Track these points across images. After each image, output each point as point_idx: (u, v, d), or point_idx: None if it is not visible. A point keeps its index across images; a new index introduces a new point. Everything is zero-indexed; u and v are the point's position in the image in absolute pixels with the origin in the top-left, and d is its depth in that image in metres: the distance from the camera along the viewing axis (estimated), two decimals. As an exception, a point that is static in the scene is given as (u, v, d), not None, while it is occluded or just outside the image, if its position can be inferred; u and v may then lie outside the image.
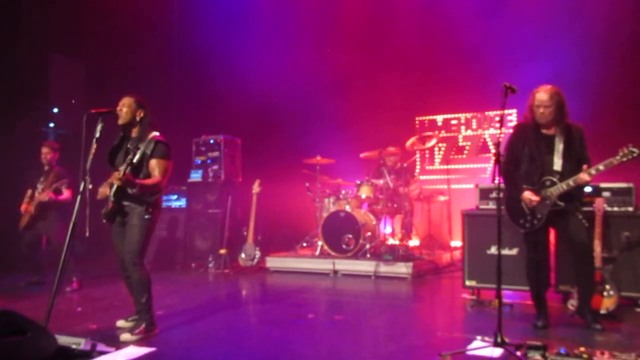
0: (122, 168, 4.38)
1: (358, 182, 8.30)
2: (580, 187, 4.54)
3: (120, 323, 4.89)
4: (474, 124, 9.81)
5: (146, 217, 4.59)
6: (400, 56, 9.61)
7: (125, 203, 4.61)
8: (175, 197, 8.85)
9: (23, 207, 6.96)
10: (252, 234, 8.22)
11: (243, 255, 8.21)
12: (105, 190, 4.66)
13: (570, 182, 4.47)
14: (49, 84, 9.36)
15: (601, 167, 4.36)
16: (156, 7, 10.32)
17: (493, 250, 5.59)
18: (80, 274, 6.88)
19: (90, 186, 4.16)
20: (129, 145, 4.64)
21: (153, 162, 4.59)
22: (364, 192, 8.16)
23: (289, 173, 9.29)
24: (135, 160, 4.49)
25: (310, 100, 9.97)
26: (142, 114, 4.72)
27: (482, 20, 8.88)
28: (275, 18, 10.28)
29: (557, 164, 4.58)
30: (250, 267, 8.15)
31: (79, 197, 4.16)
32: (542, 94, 4.58)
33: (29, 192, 7.02)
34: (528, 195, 4.60)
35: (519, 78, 6.64)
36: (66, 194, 6.90)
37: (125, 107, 4.68)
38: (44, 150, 7.07)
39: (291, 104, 9.83)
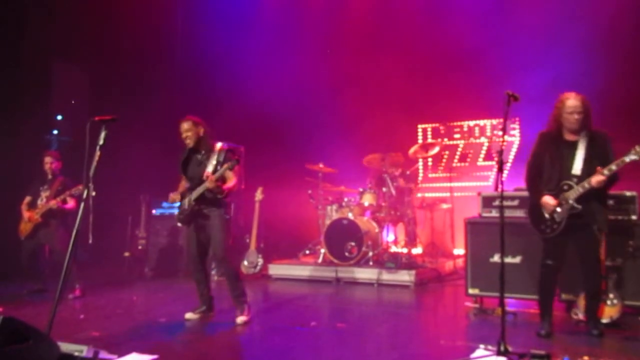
0: (215, 174, 5.08)
1: (361, 189, 8.30)
2: (597, 189, 4.48)
3: (189, 315, 5.40)
4: (477, 132, 9.81)
5: (227, 217, 5.33)
6: (403, 64, 9.61)
7: (204, 207, 5.27)
8: (178, 204, 8.83)
9: (27, 215, 6.91)
10: (254, 242, 8.21)
11: (245, 263, 8.20)
12: (177, 197, 5.42)
13: (586, 184, 4.47)
14: (52, 91, 9.40)
15: (614, 166, 4.37)
16: (159, 15, 10.36)
17: (496, 258, 5.57)
18: (82, 282, 6.84)
19: (94, 193, 4.16)
20: (199, 157, 5.35)
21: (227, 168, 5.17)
22: (367, 200, 8.15)
23: (291, 180, 9.29)
24: (222, 170, 5.09)
25: (312, 108, 9.99)
26: (202, 131, 5.34)
27: (485, 27, 8.89)
28: (277, 25, 10.31)
29: (577, 168, 4.60)
30: (252, 274, 8.13)
31: (82, 205, 4.16)
32: (574, 101, 4.63)
33: (27, 199, 6.99)
34: (546, 199, 4.65)
35: (522, 85, 6.68)
36: (71, 203, 6.87)
37: (189, 132, 5.30)
38: (47, 159, 7.07)
39: (294, 111, 9.84)
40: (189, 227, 5.40)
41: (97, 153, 4.28)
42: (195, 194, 5.23)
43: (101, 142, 4.29)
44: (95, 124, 4.32)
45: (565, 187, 4.59)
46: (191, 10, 10.96)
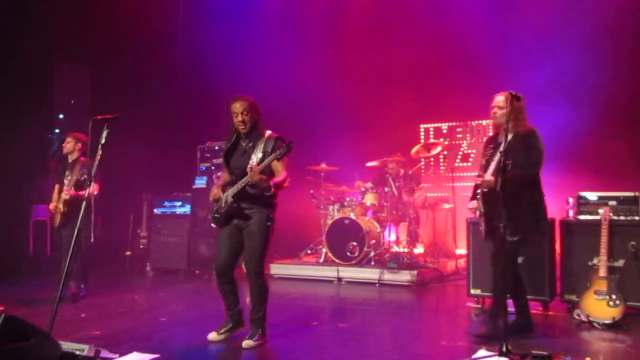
0: (260, 165, 4.23)
1: (363, 189, 8.29)
2: (507, 191, 4.20)
3: (212, 336, 4.56)
4: (479, 132, 9.80)
5: (268, 224, 4.43)
6: (405, 63, 9.60)
7: (245, 205, 4.40)
8: (179, 203, 8.84)
9: (52, 205, 6.43)
10: (256, 241, 8.19)
11: (247, 262, 8.18)
12: (219, 192, 4.51)
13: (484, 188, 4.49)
14: (53, 90, 9.40)
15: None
16: (161, 14, 10.36)
17: (498, 258, 5.54)
18: (81, 281, 6.52)
19: (96, 192, 4.16)
20: (244, 145, 4.48)
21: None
22: (369, 200, 8.15)
23: (293, 180, 9.25)
24: (258, 158, 4.33)
25: (314, 107, 9.98)
26: (258, 115, 4.52)
27: (487, 26, 8.88)
28: (280, 25, 10.31)
29: (490, 171, 4.56)
30: (254, 274, 8.11)
31: (84, 204, 4.16)
32: (498, 96, 4.64)
33: (57, 187, 6.48)
34: (470, 204, 4.78)
35: (525, 84, 6.66)
36: (91, 187, 6.46)
37: (247, 116, 4.42)
38: (66, 141, 6.54)
39: (295, 111, 9.82)
40: (224, 227, 4.53)
41: (99, 152, 4.27)
42: (234, 189, 4.36)
43: (103, 140, 4.28)
44: (98, 122, 4.32)
45: (478, 191, 4.62)
46: (192, 8, 10.96)
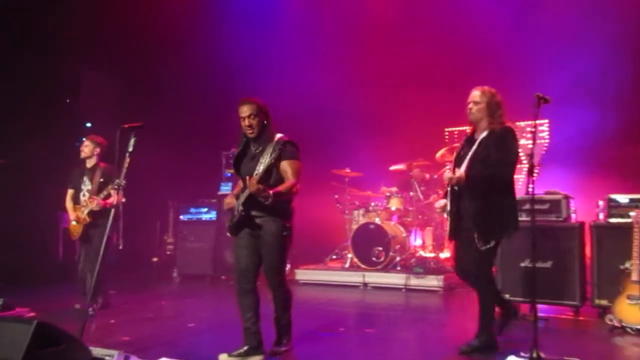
0: (256, 173, 4.05)
1: (387, 193, 8.25)
2: (480, 192, 4.14)
3: (223, 357, 4.21)
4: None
5: (284, 227, 4.23)
6: (429, 66, 9.54)
7: (256, 214, 4.19)
8: (205, 209, 8.90)
9: (74, 216, 6.01)
10: (281, 247, 8.21)
11: (272, 268, 8.19)
12: (232, 201, 4.33)
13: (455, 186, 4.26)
14: (80, 98, 9.56)
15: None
16: (184, 21, 10.46)
17: (526, 262, 5.47)
18: (105, 292, 6.23)
19: (124, 199, 4.20)
20: (253, 150, 4.28)
21: (284, 164, 4.20)
22: (394, 204, 8.11)
23: (317, 185, 9.27)
24: (266, 164, 4.12)
25: (338, 112, 9.97)
26: (267, 118, 4.30)
27: (512, 28, 8.79)
28: (302, 29, 10.33)
29: (462, 168, 4.24)
30: (279, 279, 8.13)
31: (112, 211, 4.20)
32: (474, 91, 4.45)
33: (70, 192, 6.08)
34: (437, 204, 4.55)
35: (550, 86, 6.58)
36: (113, 197, 5.77)
37: (254, 120, 4.21)
38: (83, 144, 6.16)
39: (319, 116, 9.83)
40: (238, 236, 4.33)
41: (127, 160, 4.31)
42: (242, 197, 4.16)
43: (130, 148, 4.32)
44: (125, 131, 4.37)
45: (448, 189, 4.36)
46: (214, 15, 11.04)
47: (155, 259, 9.04)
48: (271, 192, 3.97)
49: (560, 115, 7.88)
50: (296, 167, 4.25)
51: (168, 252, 9.08)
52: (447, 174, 4.16)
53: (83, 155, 6.11)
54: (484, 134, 4.27)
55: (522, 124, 9.50)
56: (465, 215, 4.20)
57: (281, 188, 4.10)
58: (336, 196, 8.66)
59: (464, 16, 9.35)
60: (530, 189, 4.07)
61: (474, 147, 4.25)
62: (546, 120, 8.79)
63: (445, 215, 4.45)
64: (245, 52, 10.30)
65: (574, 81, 7.85)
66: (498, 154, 4.09)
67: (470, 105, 4.40)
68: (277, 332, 4.43)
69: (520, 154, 4.85)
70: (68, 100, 9.22)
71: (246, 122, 4.22)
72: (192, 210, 8.88)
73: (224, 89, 10.76)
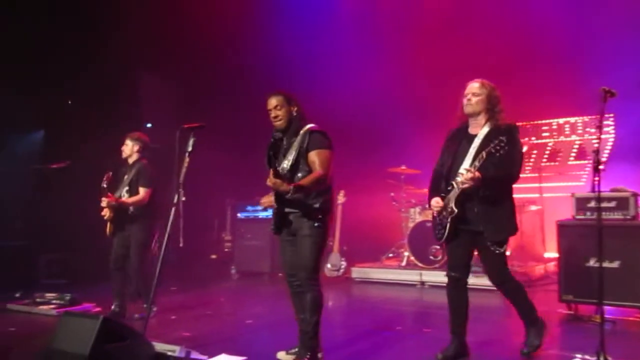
0: (281, 168, 3.98)
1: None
2: (481, 190, 3.87)
3: (281, 355, 4.27)
4: (567, 130, 9.38)
5: (316, 225, 3.98)
6: (486, 61, 9.31)
7: (289, 211, 4.05)
8: (261, 207, 8.99)
9: (104, 212, 5.79)
10: (337, 244, 8.24)
11: (329, 266, 8.23)
12: (270, 199, 4.13)
13: (454, 183, 3.94)
14: (141, 100, 9.84)
15: (477, 162, 3.80)
16: (239, 21, 10.60)
17: (592, 262, 5.27)
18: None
19: (184, 199, 4.29)
20: (284, 144, 4.15)
21: (312, 155, 4.00)
22: (451, 202, 7.97)
23: (373, 183, 9.23)
24: (292, 158, 4.02)
25: (393, 109, 9.88)
26: (295, 108, 4.18)
27: (572, 21, 8.48)
28: (357, 25, 10.28)
29: (465, 166, 3.97)
30: (336, 277, 8.16)
31: (173, 209, 4.30)
32: (473, 83, 4.21)
33: (104, 182, 5.68)
34: (432, 202, 4.14)
35: (615, 80, 6.29)
36: (140, 194, 5.75)
37: (279, 111, 4.13)
38: (124, 143, 6.04)
39: (375, 114, 9.78)
40: (281, 235, 4.21)
41: (186, 159, 4.40)
42: (273, 193, 4.02)
43: (190, 148, 4.41)
44: (184, 131, 4.46)
45: (449, 188, 4.02)
46: (270, 15, 11.14)
47: (214, 256, 9.24)
48: (291, 185, 3.80)
49: (620, 110, 7.60)
50: (324, 157, 3.99)
51: (226, 250, 9.25)
52: (468, 174, 3.79)
53: (124, 154, 6.03)
54: (485, 129, 4.06)
55: (586, 118, 9.19)
56: (473, 218, 3.96)
57: (305, 181, 3.90)
58: (392, 194, 8.60)
59: (524, 8, 9.09)
60: (595, 186, 3.91)
61: (476, 144, 4.01)
62: (612, 115, 8.45)
63: (444, 215, 4.06)
64: (300, 51, 10.35)
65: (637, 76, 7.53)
66: (509, 153, 3.80)
67: (469, 97, 4.16)
68: (299, 342, 4.11)
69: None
70: (127, 103, 9.48)
71: (272, 114, 4.15)
72: (249, 208, 9.01)
73: (278, 85, 10.85)
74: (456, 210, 3.93)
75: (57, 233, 8.26)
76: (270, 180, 3.76)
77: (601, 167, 3.96)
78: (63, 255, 8.49)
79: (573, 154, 9.31)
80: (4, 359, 4.49)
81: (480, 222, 3.93)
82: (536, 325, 4.17)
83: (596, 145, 3.99)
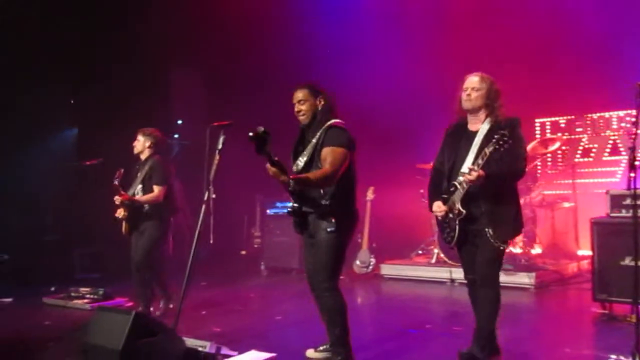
0: (296, 165, 3.88)
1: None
2: (487, 188, 3.72)
3: (310, 353, 4.21)
4: (601, 125, 9.17)
5: (329, 230, 3.79)
6: (518, 54, 9.17)
7: (307, 210, 3.91)
8: (290, 203, 9.03)
9: (119, 210, 5.67)
10: (366, 241, 8.21)
11: (358, 262, 8.22)
12: (276, 171, 3.84)
13: (456, 183, 3.79)
14: (172, 97, 9.93)
15: (480, 160, 3.65)
16: (270, 17, 10.63)
17: (627, 261, 5.15)
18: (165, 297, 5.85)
19: (214, 196, 4.32)
20: (307, 140, 4.03)
21: (325, 151, 3.83)
22: (482, 199, 7.88)
23: (402, 179, 9.17)
24: (308, 154, 3.92)
25: (422, 104, 9.80)
26: (322, 101, 4.02)
27: (610, 13, 8.28)
28: (387, 19, 10.21)
29: (468, 165, 3.79)
30: (364, 274, 8.14)
31: (203, 207, 4.34)
32: (472, 76, 4.05)
33: (116, 180, 5.53)
34: (434, 206, 3.95)
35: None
36: (154, 192, 5.57)
37: (303, 106, 4.02)
38: (136, 138, 5.82)
39: (404, 110, 9.71)
40: (304, 236, 4.12)
41: (217, 157, 4.43)
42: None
43: (220, 146, 4.43)
44: (214, 128, 4.49)
45: (452, 189, 3.85)
46: (299, 9, 11.14)
47: (243, 252, 9.30)
48: (292, 177, 3.64)
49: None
50: (336, 155, 3.79)
51: (256, 246, 9.30)
52: (474, 174, 3.62)
53: (135, 150, 5.81)
54: (486, 126, 3.91)
55: (621, 113, 8.99)
56: (479, 217, 3.81)
57: (307, 175, 3.76)
58: (421, 191, 8.51)
59: (559, 2, 8.91)
60: (631, 183, 3.83)
61: (477, 142, 3.86)
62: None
63: (452, 217, 3.88)
64: (330, 46, 10.34)
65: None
66: (512, 148, 3.67)
67: (469, 92, 3.99)
68: (330, 344, 4.03)
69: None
70: (159, 100, 9.58)
71: (296, 108, 4.06)
72: (278, 204, 9.03)
73: (309, 79, 10.86)
74: (464, 212, 3.78)
75: (90, 228, 8.42)
76: (270, 170, 3.68)
77: (637, 163, 3.87)
78: (96, 250, 8.67)
79: (607, 150, 9.10)
80: (40, 352, 4.61)
81: (487, 221, 3.78)
82: (485, 338, 3.94)
83: (632, 141, 3.90)
